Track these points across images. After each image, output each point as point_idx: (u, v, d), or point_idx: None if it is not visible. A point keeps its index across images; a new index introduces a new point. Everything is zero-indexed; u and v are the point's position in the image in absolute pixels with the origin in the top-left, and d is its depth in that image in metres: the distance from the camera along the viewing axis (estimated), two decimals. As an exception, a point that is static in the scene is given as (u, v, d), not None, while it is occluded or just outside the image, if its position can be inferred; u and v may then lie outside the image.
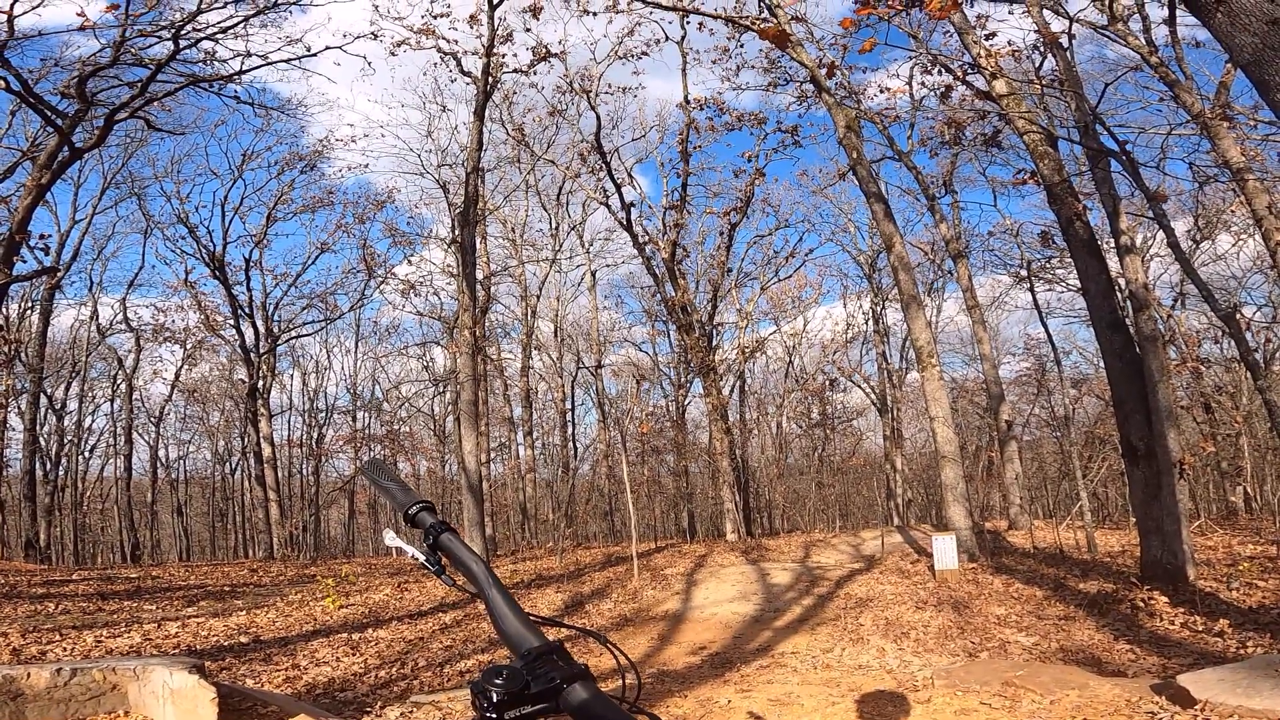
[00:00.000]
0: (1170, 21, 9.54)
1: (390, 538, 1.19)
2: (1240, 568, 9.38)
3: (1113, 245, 11.70)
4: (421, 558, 1.12)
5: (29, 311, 21.97)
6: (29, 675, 4.21)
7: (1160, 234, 12.96)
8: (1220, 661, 6.13)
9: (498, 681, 0.88)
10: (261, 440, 22.39)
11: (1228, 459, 18.29)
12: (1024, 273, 19.16)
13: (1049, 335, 18.05)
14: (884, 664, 6.98)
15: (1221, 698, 4.39)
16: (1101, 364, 11.58)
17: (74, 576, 13.59)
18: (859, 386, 26.69)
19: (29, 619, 8.62)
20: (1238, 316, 11.87)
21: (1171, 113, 12.04)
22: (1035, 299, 18.59)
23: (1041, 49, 11.39)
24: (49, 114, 10.92)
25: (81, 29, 10.21)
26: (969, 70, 11.71)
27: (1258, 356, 13.19)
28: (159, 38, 11.49)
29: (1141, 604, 8.42)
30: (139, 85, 11.74)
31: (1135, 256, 10.85)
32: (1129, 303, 10.80)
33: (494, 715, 0.87)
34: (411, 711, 5.29)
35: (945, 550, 10.95)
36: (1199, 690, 4.53)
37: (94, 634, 7.93)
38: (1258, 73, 4.09)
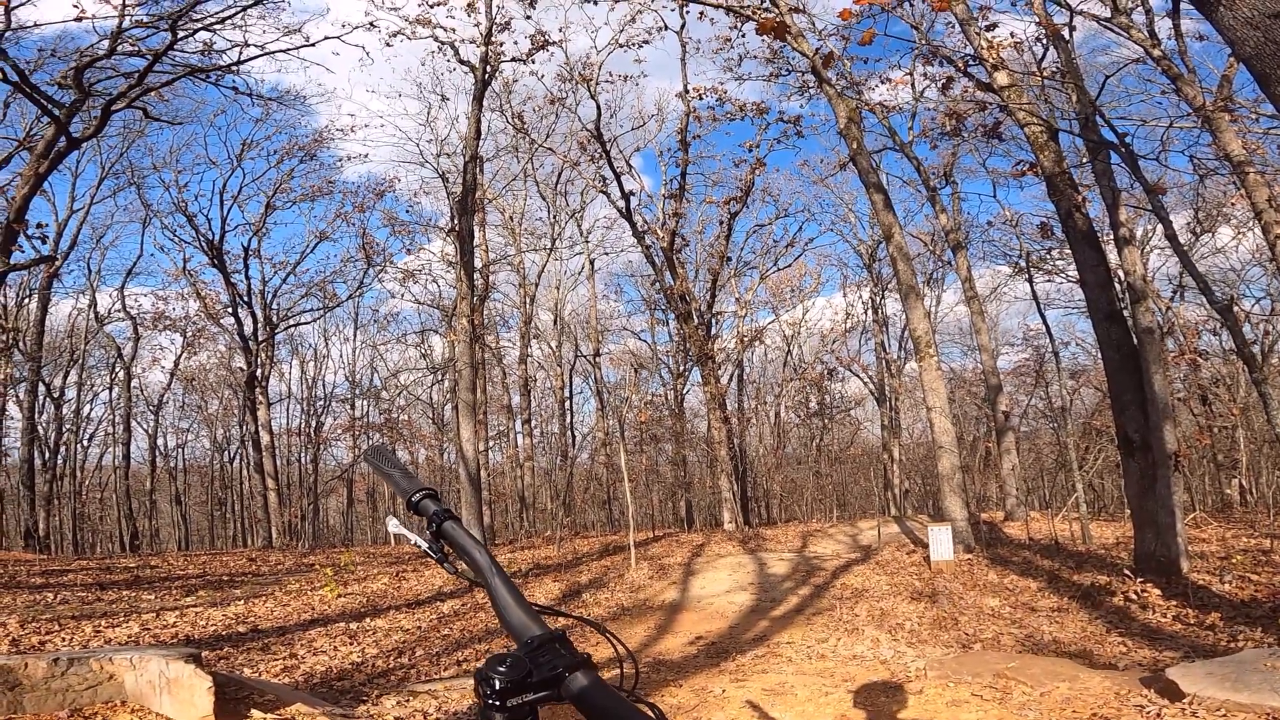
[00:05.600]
0: (1174, 15, 9.50)
1: (393, 525, 1.20)
2: (1233, 561, 9.42)
3: (1112, 237, 11.71)
4: (424, 545, 1.12)
5: (27, 300, 21.94)
6: (27, 665, 4.22)
7: (1159, 226, 12.95)
8: (1211, 655, 6.17)
9: (501, 669, 0.89)
10: (260, 428, 22.41)
11: (1224, 451, 18.35)
12: (1023, 264, 19.17)
13: (1047, 326, 18.14)
14: (878, 655, 7.02)
15: (1209, 691, 4.42)
16: (1099, 355, 11.61)
17: (73, 566, 13.62)
18: (857, 376, 26.78)
19: (28, 609, 8.64)
20: (1235, 309, 11.89)
21: (1173, 106, 12.02)
22: (1034, 290, 18.67)
23: (1043, 41, 11.35)
24: (46, 104, 10.86)
25: (78, 19, 10.13)
26: (970, 62, 11.68)
27: (1255, 349, 13.20)
28: (156, 28, 11.44)
29: (1134, 596, 8.46)
30: (136, 76, 11.68)
31: (1134, 249, 10.86)
32: (1127, 295, 10.82)
33: (497, 702, 0.88)
34: (408, 700, 5.32)
35: (941, 541, 11.00)
36: (1188, 684, 4.55)
37: (92, 624, 7.95)
38: (1259, 66, 4.09)
